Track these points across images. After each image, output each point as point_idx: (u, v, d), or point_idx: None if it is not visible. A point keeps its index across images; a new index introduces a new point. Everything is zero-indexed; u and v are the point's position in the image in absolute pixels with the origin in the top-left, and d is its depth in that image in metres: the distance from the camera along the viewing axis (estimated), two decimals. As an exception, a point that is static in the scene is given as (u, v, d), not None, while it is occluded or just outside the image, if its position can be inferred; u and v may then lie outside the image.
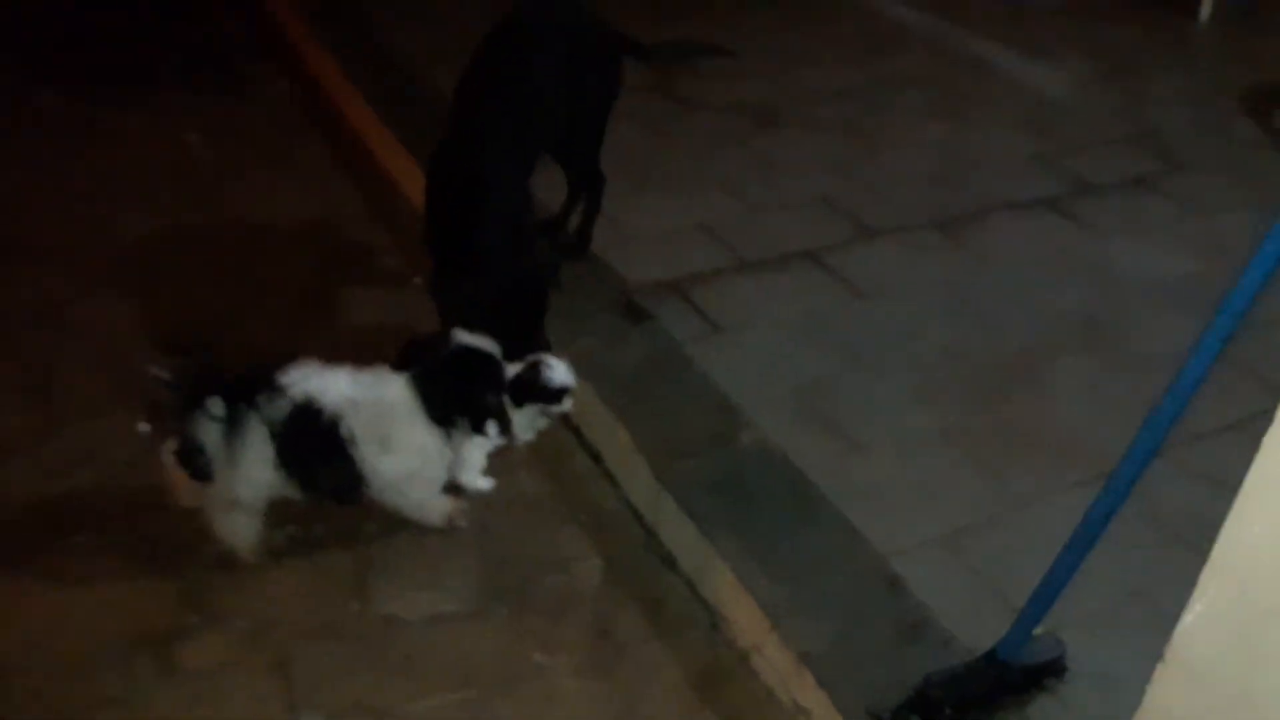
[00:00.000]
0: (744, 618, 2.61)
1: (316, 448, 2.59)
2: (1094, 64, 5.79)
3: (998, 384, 3.38)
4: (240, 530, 2.71)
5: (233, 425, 2.49)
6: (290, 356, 2.69)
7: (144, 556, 2.82)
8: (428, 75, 5.04)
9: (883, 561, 2.67)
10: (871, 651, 2.46)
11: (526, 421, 2.98)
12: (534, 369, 2.89)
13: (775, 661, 2.51)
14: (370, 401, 2.62)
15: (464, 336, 2.72)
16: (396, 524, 2.91)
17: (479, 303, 3.01)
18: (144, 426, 3.22)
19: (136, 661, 2.56)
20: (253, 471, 2.56)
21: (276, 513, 2.77)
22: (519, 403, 2.89)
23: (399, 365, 2.72)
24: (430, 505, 2.84)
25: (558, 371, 2.90)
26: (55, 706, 2.47)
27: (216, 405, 2.48)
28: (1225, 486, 1.52)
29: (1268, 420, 1.44)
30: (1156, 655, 2.46)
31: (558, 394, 2.91)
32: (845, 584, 2.61)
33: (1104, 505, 1.97)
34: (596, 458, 3.18)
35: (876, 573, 2.65)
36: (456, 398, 2.67)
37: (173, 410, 2.54)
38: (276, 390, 2.54)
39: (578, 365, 3.29)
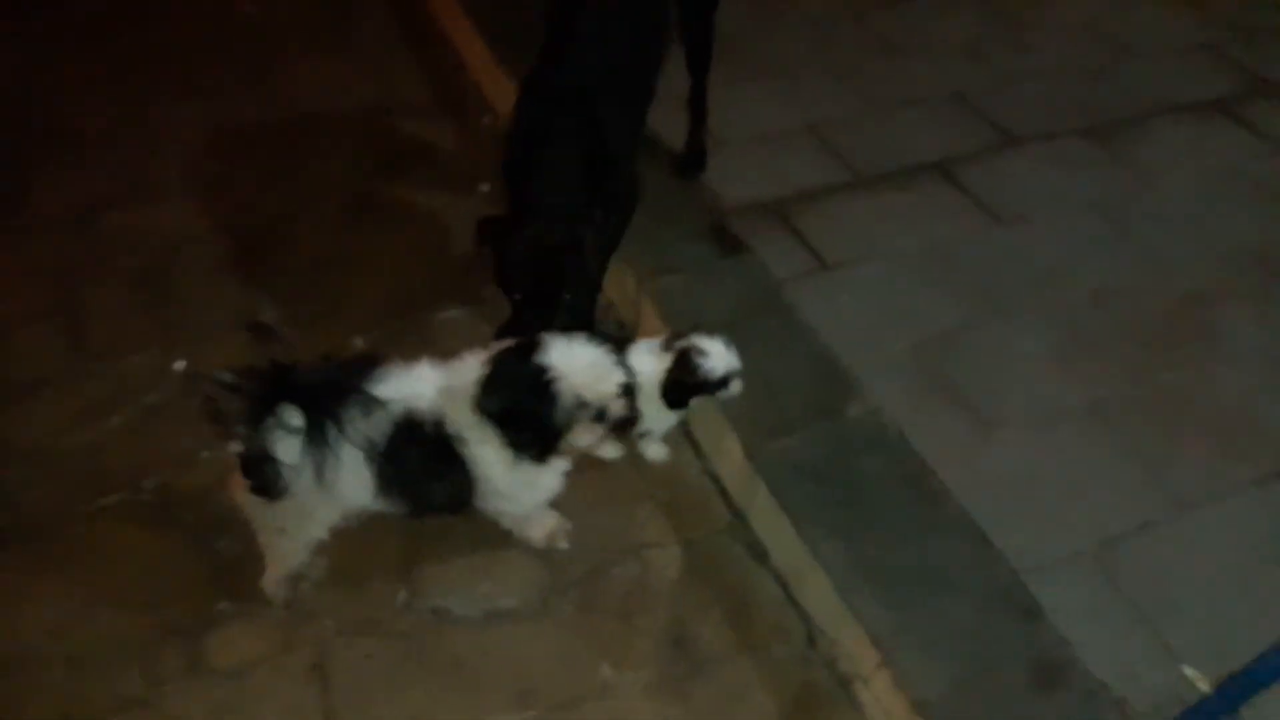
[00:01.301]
0: (847, 641, 2.23)
1: (426, 463, 2.15)
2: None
3: (1159, 340, 2.85)
4: (290, 558, 2.34)
5: (318, 443, 2.01)
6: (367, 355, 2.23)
7: (176, 526, 2.54)
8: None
9: (1017, 581, 2.24)
10: (1000, 701, 2.06)
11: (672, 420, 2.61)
12: (685, 361, 2.40)
13: (883, 700, 2.13)
14: (467, 386, 2.14)
15: (552, 344, 2.13)
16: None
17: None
18: (179, 364, 2.91)
19: (162, 657, 2.30)
20: (348, 494, 2.15)
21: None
22: (677, 405, 2.46)
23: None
24: (535, 519, 2.44)
25: (716, 357, 2.40)
26: (71, 708, 2.22)
27: (293, 415, 2.00)
28: None
29: None
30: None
31: (721, 383, 2.42)
32: (970, 609, 2.20)
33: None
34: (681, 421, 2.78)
35: (1009, 596, 2.22)
36: (529, 426, 2.13)
37: (238, 416, 2.04)
38: (370, 404, 2.06)
39: (660, 305, 2.88)
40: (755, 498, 2.49)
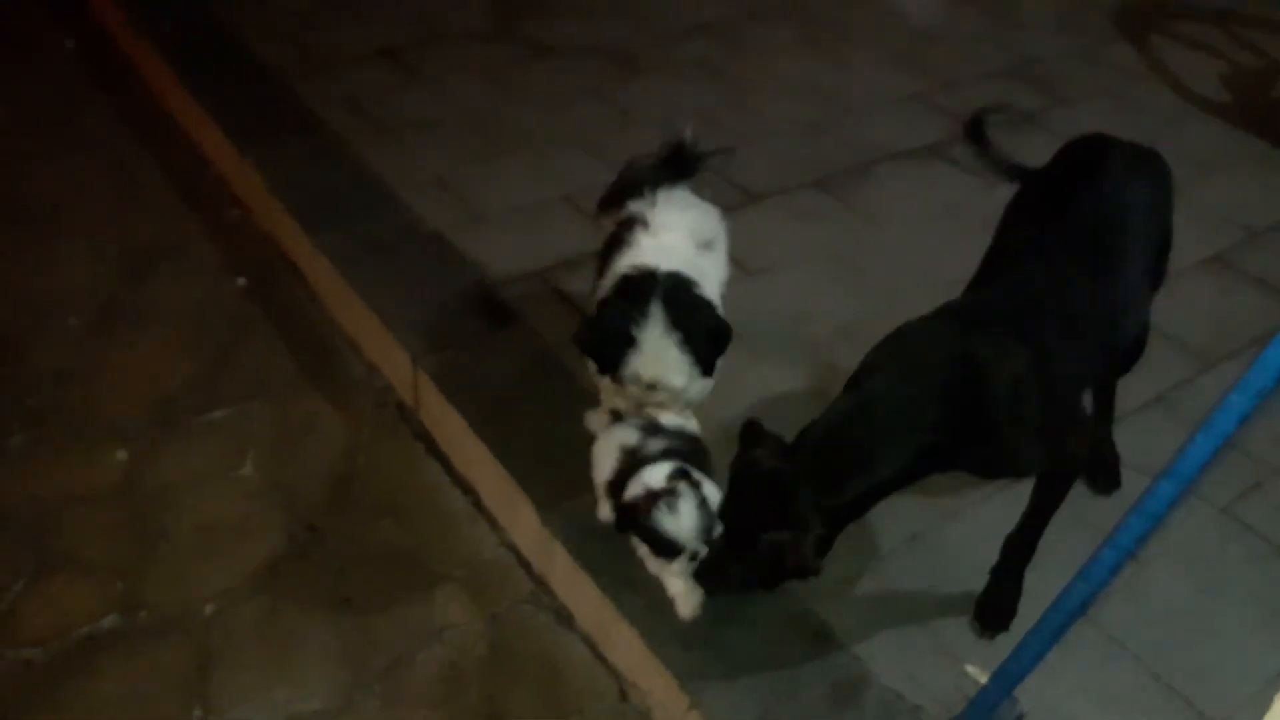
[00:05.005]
0: (658, 690, 2.28)
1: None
2: (962, -15, 5.50)
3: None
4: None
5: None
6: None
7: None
8: (234, 29, 4.40)
9: (804, 609, 2.37)
10: (805, 724, 2.17)
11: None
12: (652, 498, 2.20)
13: (697, 743, 2.19)
14: None
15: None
16: (238, 598, 2.49)
17: None
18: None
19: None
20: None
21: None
22: (620, 528, 2.32)
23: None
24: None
25: (679, 516, 2.18)
26: None
27: None
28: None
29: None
30: (1112, 694, 2.30)
31: (664, 546, 2.22)
32: (765, 641, 2.30)
33: (1080, 593, 1.69)
34: (470, 493, 2.78)
35: (800, 623, 2.34)
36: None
37: None
38: None
39: (438, 382, 2.88)
40: (554, 561, 2.52)
